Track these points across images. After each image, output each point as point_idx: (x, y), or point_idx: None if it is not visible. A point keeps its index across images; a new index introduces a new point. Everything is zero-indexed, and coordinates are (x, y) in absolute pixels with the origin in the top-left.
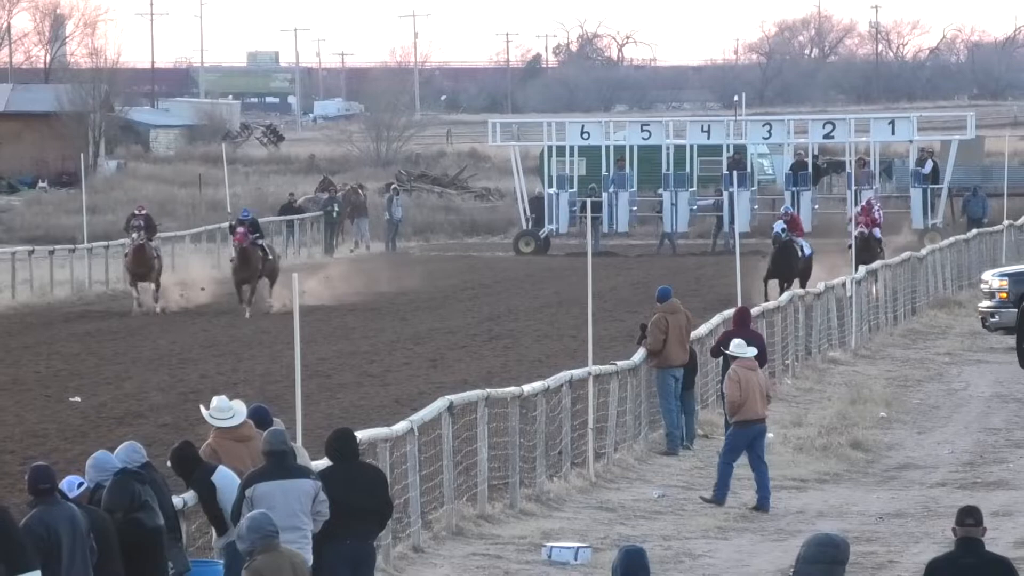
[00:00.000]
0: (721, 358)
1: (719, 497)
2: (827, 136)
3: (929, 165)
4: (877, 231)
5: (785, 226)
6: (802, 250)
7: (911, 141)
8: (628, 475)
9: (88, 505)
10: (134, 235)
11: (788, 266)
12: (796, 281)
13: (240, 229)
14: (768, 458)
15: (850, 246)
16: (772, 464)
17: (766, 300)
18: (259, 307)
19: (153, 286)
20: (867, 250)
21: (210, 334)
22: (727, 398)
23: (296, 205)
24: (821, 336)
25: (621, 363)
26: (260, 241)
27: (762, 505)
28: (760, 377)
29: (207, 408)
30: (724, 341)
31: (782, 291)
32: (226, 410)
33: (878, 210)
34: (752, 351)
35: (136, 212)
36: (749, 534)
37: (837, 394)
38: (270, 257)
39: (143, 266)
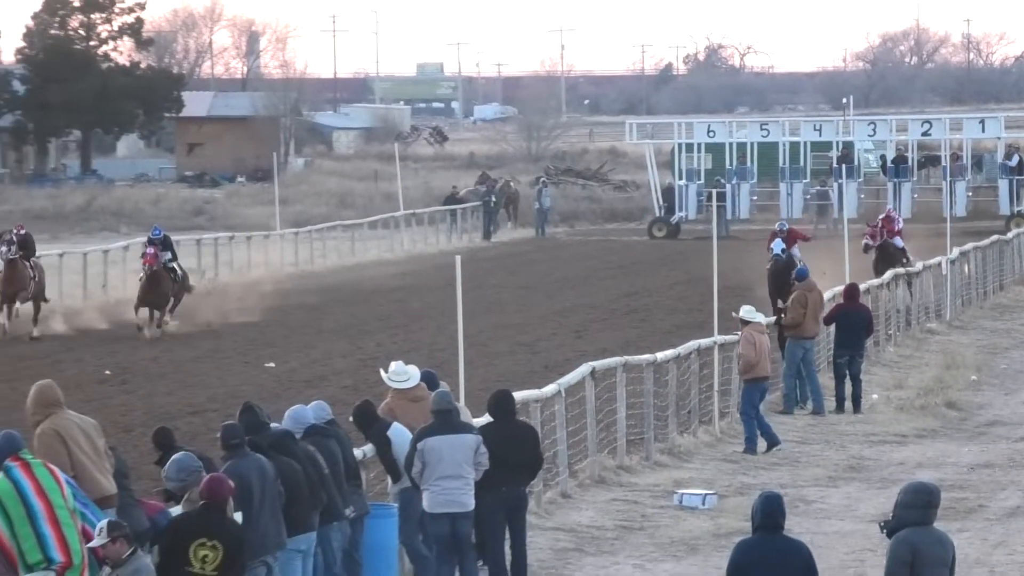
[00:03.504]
0: (832, 326)
1: (752, 447)
2: (925, 134)
3: (1016, 159)
4: (899, 240)
5: (784, 246)
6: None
7: (999, 138)
8: None
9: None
10: (2, 249)
11: (786, 286)
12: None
13: (150, 250)
14: (873, 416)
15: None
16: (876, 422)
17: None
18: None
19: (22, 306)
20: (886, 259)
21: (384, 308)
22: (743, 358)
23: (458, 196)
24: (920, 309)
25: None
26: (172, 263)
27: (773, 442)
28: (767, 339)
29: (386, 372)
30: (835, 314)
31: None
32: (403, 374)
33: (898, 220)
34: (760, 316)
35: (14, 231)
36: (856, 483)
37: (934, 360)
38: (178, 279)
39: (15, 284)
